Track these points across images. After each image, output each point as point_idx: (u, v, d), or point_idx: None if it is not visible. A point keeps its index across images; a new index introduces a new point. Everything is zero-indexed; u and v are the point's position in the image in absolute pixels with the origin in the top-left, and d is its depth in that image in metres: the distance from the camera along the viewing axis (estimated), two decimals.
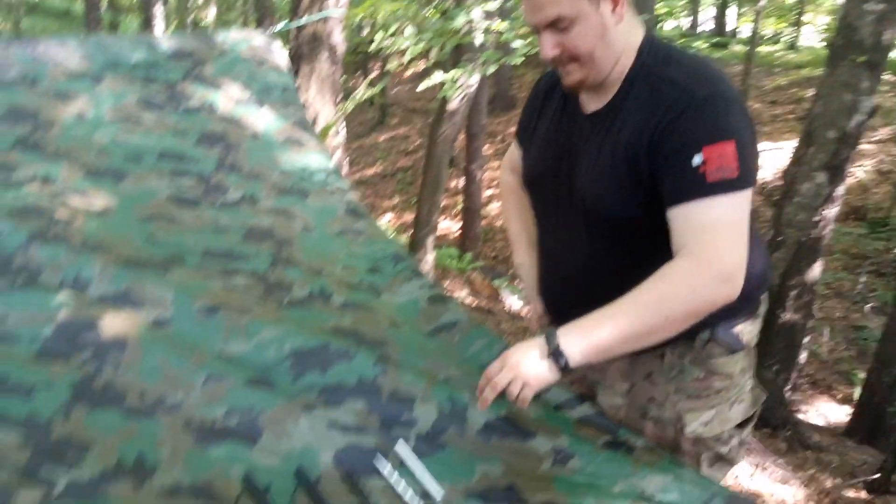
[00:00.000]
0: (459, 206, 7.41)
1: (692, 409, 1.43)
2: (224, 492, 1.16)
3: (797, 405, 4.60)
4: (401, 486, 1.26)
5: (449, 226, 8.76)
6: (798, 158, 3.95)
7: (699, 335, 1.39)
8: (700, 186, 1.20)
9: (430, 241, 5.50)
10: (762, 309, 1.48)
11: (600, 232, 1.39)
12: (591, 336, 1.20)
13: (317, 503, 1.19)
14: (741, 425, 1.47)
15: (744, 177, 1.21)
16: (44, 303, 1.45)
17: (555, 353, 1.18)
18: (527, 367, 1.19)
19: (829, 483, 3.49)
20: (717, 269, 1.19)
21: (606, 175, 1.32)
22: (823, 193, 3.79)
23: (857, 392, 4.76)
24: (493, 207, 8.78)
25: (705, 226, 1.21)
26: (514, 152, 1.68)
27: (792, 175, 3.96)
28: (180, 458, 1.20)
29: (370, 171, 12.23)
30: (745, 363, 1.44)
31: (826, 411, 4.89)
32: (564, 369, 1.18)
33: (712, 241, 1.20)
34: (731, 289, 1.20)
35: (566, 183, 1.41)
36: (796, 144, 4.08)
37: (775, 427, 3.99)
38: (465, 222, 6.80)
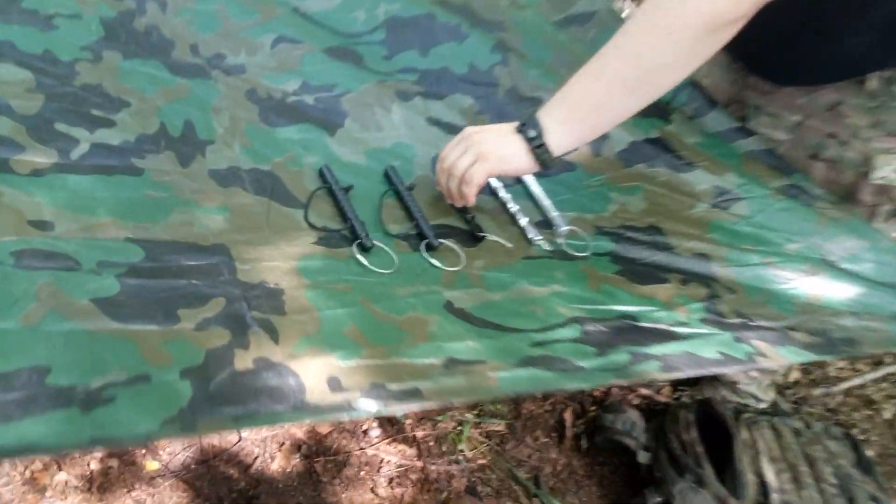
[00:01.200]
0: None
1: (889, 151, 1.06)
2: (294, 185, 0.90)
3: None
4: (516, 209, 0.99)
5: None
6: None
7: None
8: None
9: None
10: None
11: None
12: (568, 98, 0.89)
13: (409, 217, 0.93)
14: None
15: None
16: None
17: (524, 126, 0.89)
18: (486, 139, 0.91)
19: None
20: None
21: None
22: None
23: None
24: None
25: None
26: None
27: None
28: (240, 132, 0.93)
29: None
30: None
31: None
32: (539, 150, 0.89)
33: None
34: None
35: None
36: None
37: None
38: None
